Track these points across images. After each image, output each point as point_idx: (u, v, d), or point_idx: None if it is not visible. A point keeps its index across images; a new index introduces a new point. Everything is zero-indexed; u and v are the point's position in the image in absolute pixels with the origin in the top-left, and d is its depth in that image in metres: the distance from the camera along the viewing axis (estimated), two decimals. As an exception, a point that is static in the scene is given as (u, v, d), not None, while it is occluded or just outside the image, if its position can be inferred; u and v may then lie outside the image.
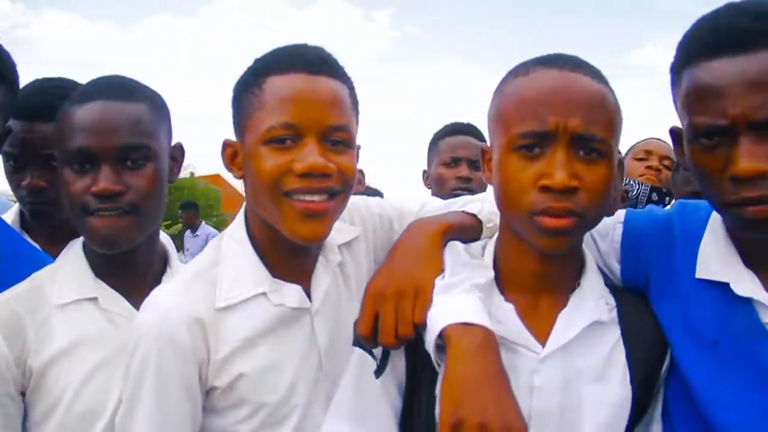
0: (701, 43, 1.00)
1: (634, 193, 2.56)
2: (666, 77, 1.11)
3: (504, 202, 1.08)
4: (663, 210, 1.29)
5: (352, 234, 1.33)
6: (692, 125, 1.01)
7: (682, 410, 1.15)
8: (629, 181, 2.58)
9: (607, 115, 1.06)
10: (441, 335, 0.99)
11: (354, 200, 1.38)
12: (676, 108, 1.07)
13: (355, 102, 1.22)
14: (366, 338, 1.09)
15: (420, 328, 1.05)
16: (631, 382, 1.12)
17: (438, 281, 1.08)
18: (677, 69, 1.05)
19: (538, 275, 1.13)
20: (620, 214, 1.29)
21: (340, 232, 1.29)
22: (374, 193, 2.93)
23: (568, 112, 1.02)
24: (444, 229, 1.19)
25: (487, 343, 0.97)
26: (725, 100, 0.96)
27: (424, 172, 2.46)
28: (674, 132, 1.13)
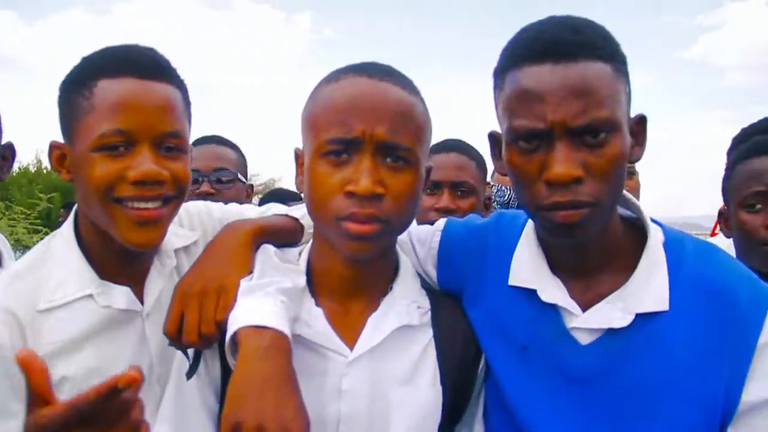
0: (526, 49, 1.03)
1: (505, 198, 2.66)
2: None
3: (313, 206, 1.10)
4: (482, 219, 1.33)
5: (191, 239, 1.33)
6: (512, 128, 1.03)
7: (498, 411, 1.19)
8: (501, 187, 2.68)
9: (415, 124, 1.08)
10: (235, 336, 1.01)
11: (195, 205, 1.39)
12: (497, 112, 1.10)
13: (188, 105, 1.22)
14: (172, 337, 1.09)
15: (225, 328, 1.05)
16: (442, 383, 1.14)
17: (243, 282, 1.09)
18: (501, 73, 1.07)
19: (348, 280, 1.15)
20: (441, 222, 1.33)
21: (177, 236, 1.29)
22: (294, 196, 2.90)
23: (375, 120, 1.03)
24: (256, 231, 1.20)
25: (275, 346, 0.98)
26: (545, 105, 0.98)
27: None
28: (492, 136, 1.15)
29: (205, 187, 2.21)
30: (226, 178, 2.25)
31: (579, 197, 1.00)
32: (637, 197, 2.43)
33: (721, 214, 1.57)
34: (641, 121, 1.10)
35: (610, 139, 1.00)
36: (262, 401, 0.92)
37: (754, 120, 2.53)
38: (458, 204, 1.89)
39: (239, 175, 2.31)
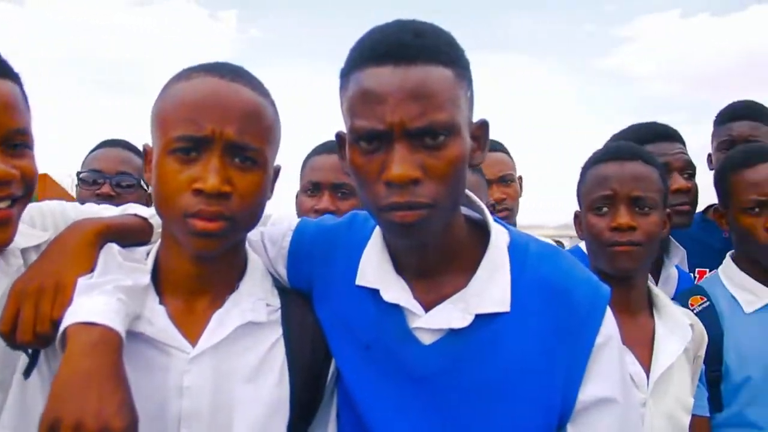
0: (369, 51, 1.04)
1: None
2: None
3: (159, 203, 1.10)
4: (336, 219, 1.34)
5: (41, 238, 1.29)
6: (353, 128, 1.04)
7: (346, 411, 1.20)
8: None
9: (264, 125, 1.11)
10: (65, 334, 1.00)
11: (48, 205, 1.36)
12: (342, 112, 1.10)
13: (26, 98, 1.20)
14: (5, 335, 1.07)
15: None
16: (290, 382, 1.15)
17: (81, 280, 1.08)
18: (345, 74, 1.08)
19: (194, 277, 1.15)
20: (294, 222, 1.34)
21: (24, 235, 1.26)
22: None
23: (224, 120, 1.05)
24: (100, 230, 1.19)
25: (103, 343, 0.98)
26: (384, 106, 0.99)
27: None
28: (339, 137, 1.16)
29: (105, 189, 2.22)
30: (126, 182, 2.28)
31: (417, 198, 1.01)
32: (517, 205, 2.51)
33: (576, 217, 1.63)
34: (483, 126, 1.13)
35: (449, 142, 1.02)
36: (83, 397, 0.91)
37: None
38: (338, 205, 1.89)
39: (141, 182, 2.32)
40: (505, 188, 2.47)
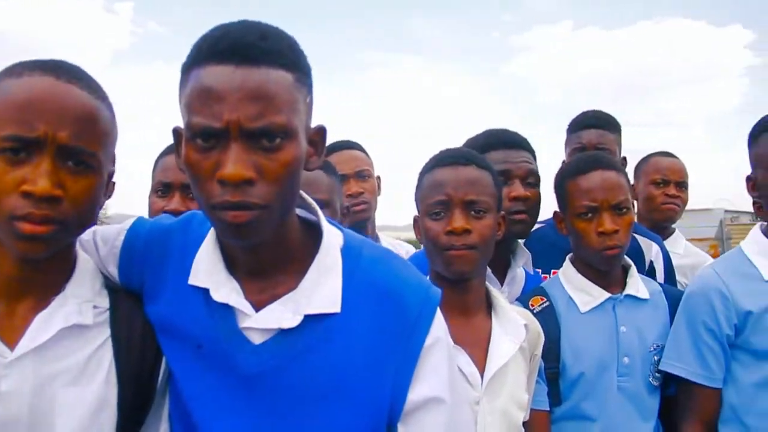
0: (211, 49, 1.03)
1: None
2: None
3: None
4: (172, 219, 1.33)
5: None
6: (190, 125, 1.03)
7: (177, 410, 1.19)
8: None
9: (99, 129, 1.10)
10: None
11: None
12: (180, 107, 1.08)
13: None
14: None
15: None
16: (119, 383, 1.14)
17: None
18: (186, 69, 1.07)
19: (16, 280, 1.12)
20: (129, 221, 1.32)
21: None
22: None
23: (58, 122, 1.04)
24: None
25: None
26: (223, 105, 0.99)
27: None
28: (176, 132, 1.14)
29: None
30: None
31: (249, 198, 1.01)
32: (375, 200, 2.56)
33: (415, 222, 1.66)
34: (321, 131, 1.15)
35: (285, 144, 1.02)
36: None
37: (562, 135, 2.78)
38: (189, 206, 1.85)
39: None
40: (362, 183, 2.54)
